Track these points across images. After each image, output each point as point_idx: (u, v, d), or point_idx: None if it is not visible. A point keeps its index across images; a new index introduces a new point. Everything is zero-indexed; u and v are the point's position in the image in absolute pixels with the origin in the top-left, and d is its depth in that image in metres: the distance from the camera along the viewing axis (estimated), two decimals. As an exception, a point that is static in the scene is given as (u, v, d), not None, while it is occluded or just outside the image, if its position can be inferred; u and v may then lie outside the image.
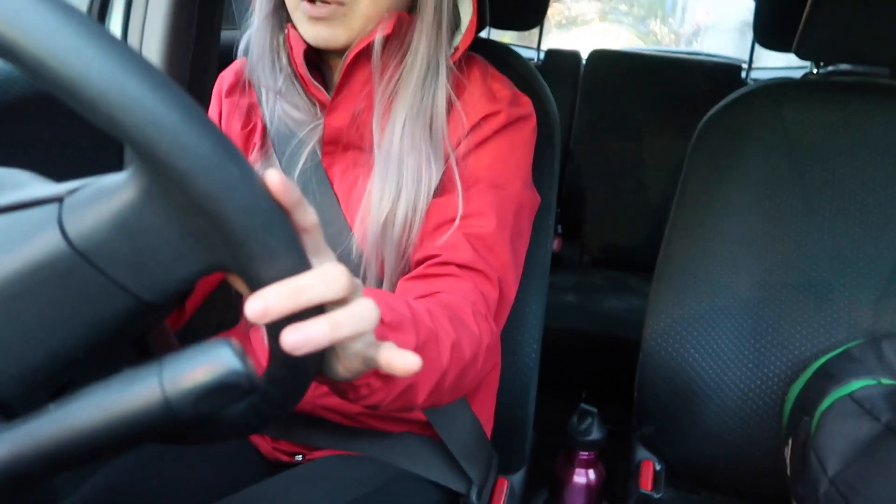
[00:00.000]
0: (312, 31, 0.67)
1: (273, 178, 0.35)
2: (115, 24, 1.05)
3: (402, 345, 0.50)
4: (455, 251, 0.67)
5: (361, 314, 0.38)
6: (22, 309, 0.35)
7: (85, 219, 0.35)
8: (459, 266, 0.67)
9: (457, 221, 0.68)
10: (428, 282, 0.67)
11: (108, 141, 1.00)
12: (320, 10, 0.65)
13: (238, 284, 0.40)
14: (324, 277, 0.36)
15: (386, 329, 0.50)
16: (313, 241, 0.39)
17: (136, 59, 0.31)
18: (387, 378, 0.50)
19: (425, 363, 0.53)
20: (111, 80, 0.30)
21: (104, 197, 0.36)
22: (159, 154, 0.31)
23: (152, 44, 1.03)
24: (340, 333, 0.37)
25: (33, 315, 0.35)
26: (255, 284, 0.35)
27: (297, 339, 0.36)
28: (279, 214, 0.35)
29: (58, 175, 0.40)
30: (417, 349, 0.52)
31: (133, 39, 1.04)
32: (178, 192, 0.33)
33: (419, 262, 0.70)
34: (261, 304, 0.35)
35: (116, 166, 1.05)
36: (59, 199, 0.36)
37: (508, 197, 0.72)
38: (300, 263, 0.36)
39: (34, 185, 0.39)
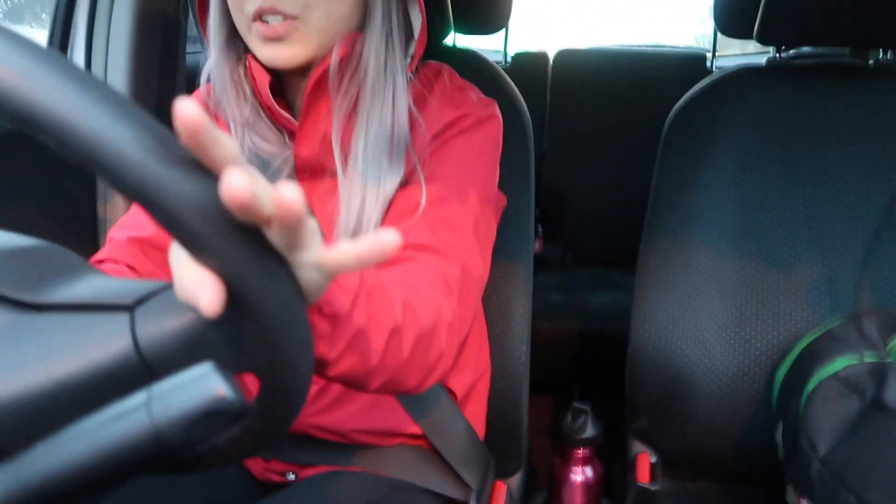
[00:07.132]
0: (270, 52, 0.65)
1: None
2: (78, 54, 1.05)
3: (343, 288, 0.48)
4: (411, 234, 0.64)
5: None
6: (78, 411, 0.36)
7: (158, 332, 0.37)
8: (415, 247, 0.64)
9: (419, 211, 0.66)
10: (383, 267, 0.61)
11: (82, 174, 0.99)
12: (276, 28, 0.63)
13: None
14: None
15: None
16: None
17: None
18: (334, 319, 0.47)
19: (375, 308, 0.51)
20: (209, 235, 0.30)
21: (176, 313, 0.37)
22: (251, 304, 0.32)
23: (117, 73, 1.03)
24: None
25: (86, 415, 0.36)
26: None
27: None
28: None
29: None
30: (360, 293, 0.49)
31: (97, 69, 1.03)
32: (249, 325, 0.34)
33: None
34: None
35: (89, 196, 1.04)
36: (129, 308, 0.37)
37: (473, 184, 0.70)
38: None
39: (88, 275, 0.40)
